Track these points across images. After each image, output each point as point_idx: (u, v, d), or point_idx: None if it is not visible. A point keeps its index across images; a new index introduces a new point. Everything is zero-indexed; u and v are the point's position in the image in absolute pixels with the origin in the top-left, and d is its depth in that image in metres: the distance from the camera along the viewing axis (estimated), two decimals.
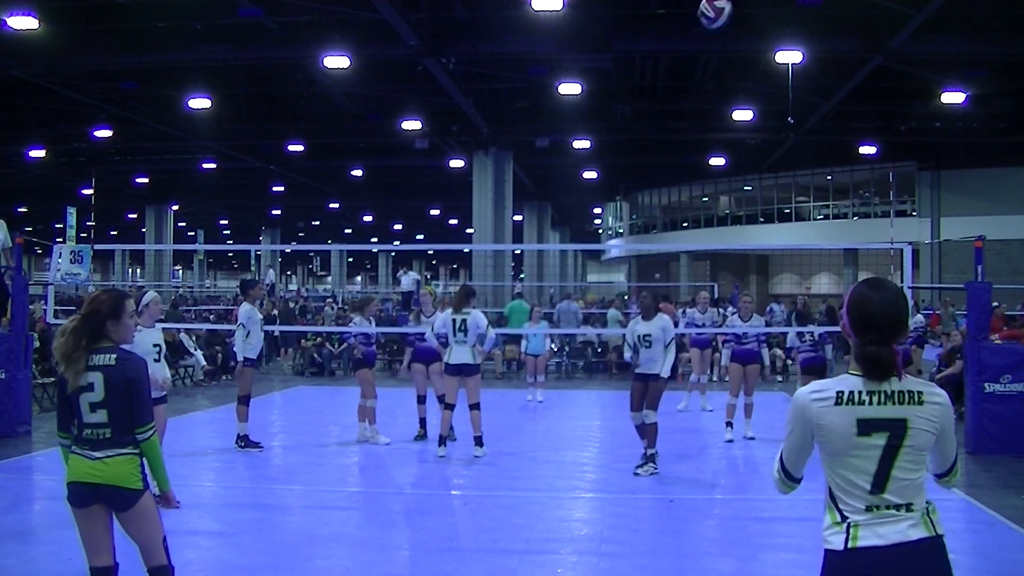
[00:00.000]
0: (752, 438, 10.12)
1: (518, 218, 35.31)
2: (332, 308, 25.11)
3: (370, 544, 6.13)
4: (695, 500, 7.52)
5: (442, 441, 9.05)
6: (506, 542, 6.14)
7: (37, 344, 12.16)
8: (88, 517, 3.70)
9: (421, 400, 10.23)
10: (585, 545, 6.13)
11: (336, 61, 16.80)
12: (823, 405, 2.52)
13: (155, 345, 7.00)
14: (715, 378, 15.88)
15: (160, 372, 6.92)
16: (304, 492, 7.68)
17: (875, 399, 2.49)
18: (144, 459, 3.74)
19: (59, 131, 25.28)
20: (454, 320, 9.02)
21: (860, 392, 2.50)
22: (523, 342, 15.06)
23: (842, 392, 2.52)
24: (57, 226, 35.95)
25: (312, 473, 8.53)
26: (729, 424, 10.24)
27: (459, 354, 8.98)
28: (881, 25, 16.07)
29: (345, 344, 15.53)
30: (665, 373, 8.25)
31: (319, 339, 18.14)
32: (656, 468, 8.24)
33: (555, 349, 17.57)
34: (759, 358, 10.29)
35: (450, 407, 9.08)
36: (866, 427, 2.48)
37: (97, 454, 3.68)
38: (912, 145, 27.37)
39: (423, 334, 9.82)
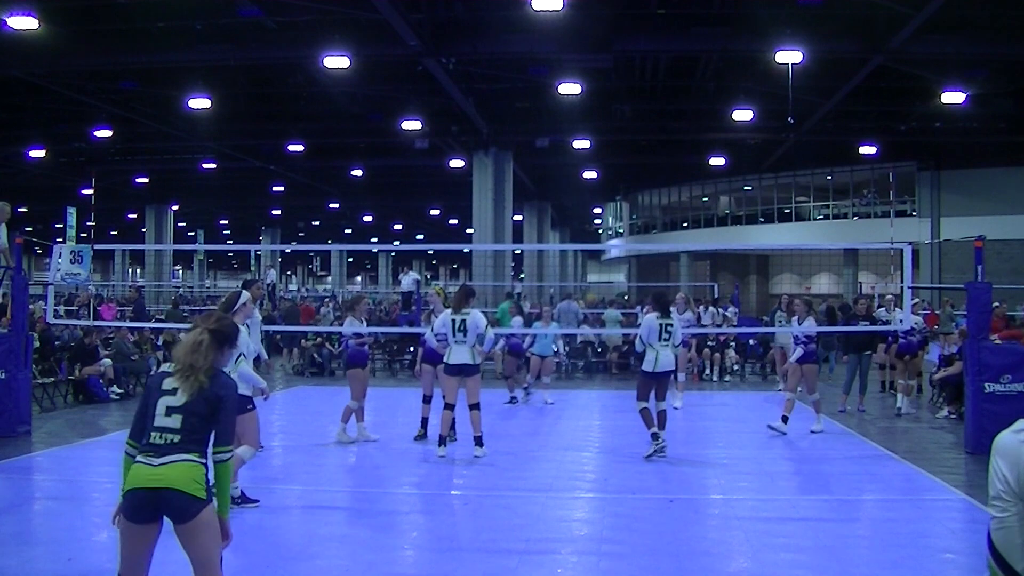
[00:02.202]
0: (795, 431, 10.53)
1: (518, 218, 35.32)
2: (328, 307, 25.15)
3: (370, 544, 6.13)
4: (695, 500, 7.52)
5: (442, 441, 9.05)
6: (506, 542, 6.14)
7: (37, 344, 12.17)
8: (137, 535, 3.57)
9: (427, 400, 10.23)
10: (585, 545, 6.12)
11: (336, 61, 16.79)
12: None
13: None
14: (715, 377, 16.20)
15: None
16: (304, 492, 7.67)
17: None
18: (210, 474, 3.64)
19: (59, 131, 25.29)
20: (453, 320, 9.03)
21: None
22: (527, 340, 14.97)
23: None
24: (57, 226, 35.95)
25: (312, 473, 8.53)
26: (816, 414, 10.86)
27: (458, 354, 8.98)
28: (881, 25, 16.08)
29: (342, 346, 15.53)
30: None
31: (319, 339, 18.14)
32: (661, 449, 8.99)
33: (556, 350, 17.56)
34: (815, 357, 10.99)
35: (450, 407, 9.08)
36: None
37: (160, 460, 3.57)
38: (912, 145, 27.37)
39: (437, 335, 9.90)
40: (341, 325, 11.90)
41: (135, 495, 3.57)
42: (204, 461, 3.65)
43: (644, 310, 14.77)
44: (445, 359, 9.15)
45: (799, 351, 10.94)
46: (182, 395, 3.68)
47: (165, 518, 3.63)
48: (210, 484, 3.64)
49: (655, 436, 8.94)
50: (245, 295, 7.08)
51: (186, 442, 3.63)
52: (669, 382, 9.21)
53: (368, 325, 10.59)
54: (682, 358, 13.22)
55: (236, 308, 6.82)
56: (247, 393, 6.67)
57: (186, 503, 3.53)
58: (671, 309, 9.46)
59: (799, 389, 11.71)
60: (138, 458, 3.65)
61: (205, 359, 3.69)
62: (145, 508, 3.55)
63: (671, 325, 9.05)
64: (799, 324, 10.89)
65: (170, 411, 3.69)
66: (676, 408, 12.60)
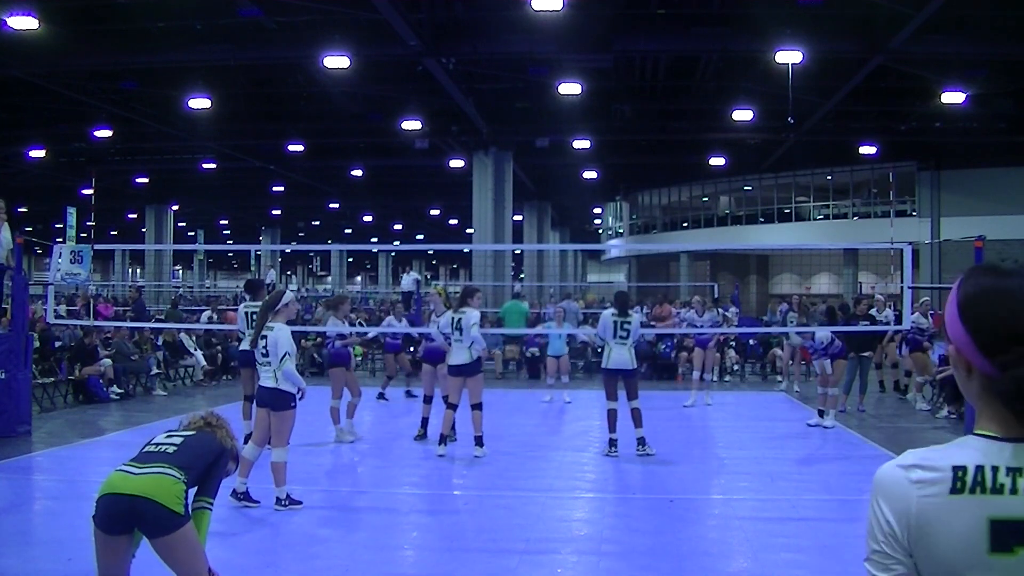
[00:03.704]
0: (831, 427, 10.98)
1: (518, 218, 35.30)
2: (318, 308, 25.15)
3: (370, 544, 6.13)
4: (695, 500, 7.53)
5: (442, 440, 9.05)
6: (506, 542, 6.14)
7: (37, 344, 12.17)
8: (108, 546, 3.42)
9: (427, 400, 10.23)
10: (585, 545, 6.13)
11: (336, 61, 16.78)
12: (929, 493, 1.37)
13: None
14: (715, 378, 16.22)
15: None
16: (304, 492, 7.66)
17: (1022, 481, 1.33)
18: (189, 493, 3.57)
19: (59, 131, 25.27)
20: (453, 319, 9.05)
21: (996, 469, 1.35)
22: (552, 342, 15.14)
23: (963, 469, 1.37)
24: (57, 226, 35.93)
25: (312, 473, 8.52)
26: (828, 409, 11.33)
27: (457, 354, 8.99)
28: (881, 25, 16.07)
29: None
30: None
31: (319, 339, 18.12)
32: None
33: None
34: (843, 352, 11.52)
35: (452, 407, 9.07)
36: (1006, 535, 1.33)
37: (142, 470, 3.45)
38: (912, 145, 27.36)
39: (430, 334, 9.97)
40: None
41: (108, 501, 3.39)
42: (186, 482, 3.51)
43: (643, 311, 14.95)
44: (447, 360, 9.17)
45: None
46: (187, 430, 3.78)
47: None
48: (188, 503, 3.54)
49: (611, 442, 9.17)
50: (288, 295, 7.17)
51: (178, 458, 3.55)
52: (635, 382, 9.30)
53: (368, 325, 10.62)
54: (709, 358, 13.79)
55: (279, 308, 6.89)
56: (291, 391, 6.76)
57: (163, 516, 3.36)
58: (630, 309, 9.74)
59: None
60: (121, 465, 3.53)
61: (220, 422, 3.95)
62: (119, 518, 3.39)
63: (628, 323, 9.20)
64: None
65: (171, 435, 3.73)
66: (708, 405, 13.20)
